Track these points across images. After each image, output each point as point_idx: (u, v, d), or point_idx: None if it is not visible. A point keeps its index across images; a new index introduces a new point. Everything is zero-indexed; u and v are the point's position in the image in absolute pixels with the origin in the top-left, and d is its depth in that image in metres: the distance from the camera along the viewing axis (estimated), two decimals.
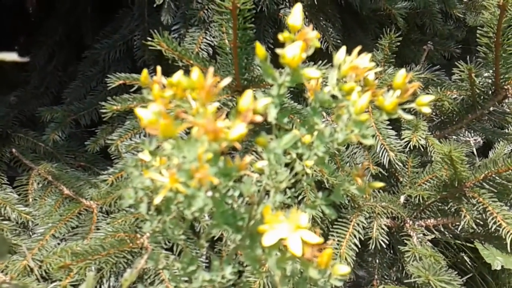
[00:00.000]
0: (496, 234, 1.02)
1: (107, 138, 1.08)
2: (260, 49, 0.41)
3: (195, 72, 0.38)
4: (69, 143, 1.24)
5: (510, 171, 0.98)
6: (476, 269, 1.19)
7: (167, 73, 0.45)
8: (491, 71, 1.12)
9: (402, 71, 0.43)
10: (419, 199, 1.04)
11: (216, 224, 0.43)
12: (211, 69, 0.38)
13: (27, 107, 1.32)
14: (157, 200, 0.41)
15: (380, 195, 1.09)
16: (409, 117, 0.42)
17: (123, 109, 1.00)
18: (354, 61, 0.42)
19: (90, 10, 1.44)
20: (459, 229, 1.08)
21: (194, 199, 0.39)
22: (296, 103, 1.04)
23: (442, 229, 1.10)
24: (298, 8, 0.42)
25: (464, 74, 1.13)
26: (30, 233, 1.04)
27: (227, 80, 0.39)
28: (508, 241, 0.95)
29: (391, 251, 1.13)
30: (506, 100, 1.17)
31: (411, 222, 1.07)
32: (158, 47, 0.96)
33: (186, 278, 0.50)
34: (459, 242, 1.16)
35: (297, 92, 1.12)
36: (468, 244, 1.15)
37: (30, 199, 1.11)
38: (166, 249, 0.93)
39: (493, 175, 1.00)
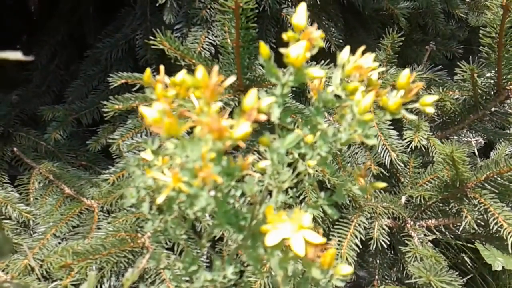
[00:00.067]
0: (497, 235, 1.02)
1: (108, 137, 1.08)
2: (264, 49, 0.41)
3: (200, 70, 0.38)
4: (70, 142, 1.24)
5: (511, 172, 0.98)
6: (476, 269, 1.19)
7: (169, 72, 0.45)
8: (493, 71, 1.12)
9: (406, 71, 0.43)
10: (420, 199, 1.04)
11: (219, 223, 0.43)
12: (216, 68, 0.38)
13: (28, 106, 1.32)
14: (160, 199, 0.41)
15: (381, 196, 1.09)
16: (412, 117, 0.42)
17: (125, 108, 1.00)
18: (358, 60, 0.42)
19: (93, 9, 1.44)
20: (460, 229, 1.08)
21: (197, 198, 0.39)
22: (297, 102, 1.03)
23: (443, 230, 1.10)
24: (302, 7, 0.42)
25: (466, 74, 1.12)
26: (31, 232, 1.04)
27: (232, 79, 0.39)
28: (509, 242, 0.95)
29: (392, 252, 1.13)
30: (508, 101, 1.17)
31: (412, 223, 1.07)
32: (161, 46, 0.96)
33: (188, 278, 0.50)
34: (459, 242, 1.16)
35: (299, 92, 1.12)
36: (469, 245, 1.15)
37: (31, 198, 1.11)
38: (166, 249, 0.93)
39: (495, 176, 1.00)
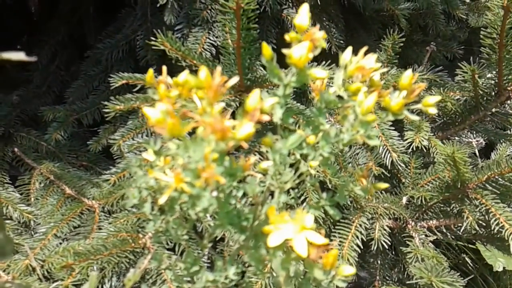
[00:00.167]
0: (498, 236, 1.02)
1: (109, 138, 1.08)
2: (267, 49, 0.41)
3: (203, 71, 0.38)
4: (71, 142, 1.24)
5: None
6: (477, 270, 1.19)
7: (170, 73, 0.45)
8: (494, 72, 1.12)
9: (409, 71, 0.42)
10: (421, 200, 1.04)
11: (221, 224, 0.43)
12: (219, 68, 0.38)
13: (29, 106, 1.32)
14: (162, 200, 0.41)
15: (382, 196, 1.09)
16: (415, 117, 0.42)
17: (126, 108, 1.00)
18: (360, 61, 0.42)
19: (93, 9, 1.44)
20: (461, 230, 1.08)
21: (199, 199, 0.39)
22: (299, 103, 1.03)
23: (444, 230, 1.10)
24: (305, 8, 0.42)
25: (467, 75, 1.12)
26: (32, 232, 1.05)
27: (235, 80, 0.39)
28: (511, 243, 0.95)
29: (393, 252, 1.13)
30: (509, 102, 1.17)
31: (413, 223, 1.07)
32: (161, 47, 0.96)
33: (189, 279, 0.50)
34: (461, 243, 1.16)
35: (299, 92, 1.12)
36: (470, 246, 1.15)
37: (32, 199, 1.11)
38: (167, 249, 0.93)
39: (496, 177, 1.00)
